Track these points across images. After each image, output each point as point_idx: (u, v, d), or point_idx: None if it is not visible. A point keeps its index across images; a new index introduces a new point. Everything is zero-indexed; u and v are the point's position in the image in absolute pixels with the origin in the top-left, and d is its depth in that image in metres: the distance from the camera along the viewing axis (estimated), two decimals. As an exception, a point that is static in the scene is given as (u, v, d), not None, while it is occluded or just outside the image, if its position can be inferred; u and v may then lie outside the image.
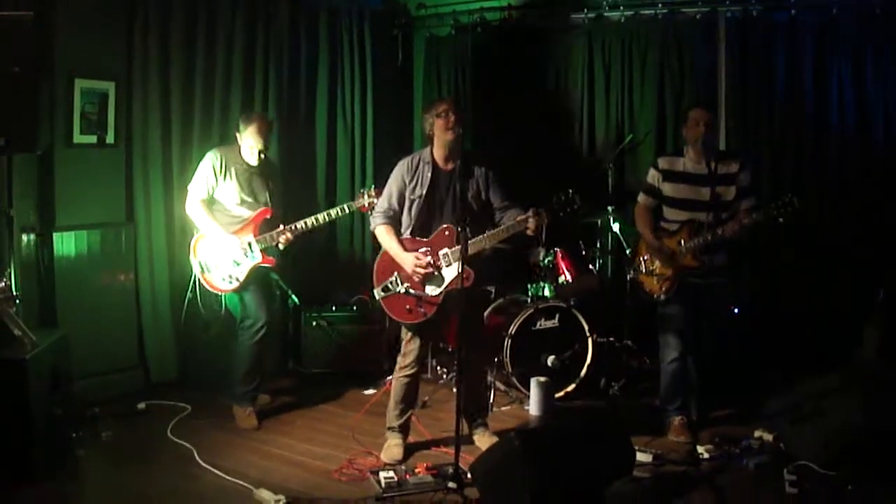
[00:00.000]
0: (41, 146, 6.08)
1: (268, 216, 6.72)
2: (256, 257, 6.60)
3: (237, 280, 6.60)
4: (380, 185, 6.43)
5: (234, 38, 7.97)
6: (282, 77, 8.45)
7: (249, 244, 6.59)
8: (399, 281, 5.98)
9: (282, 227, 6.64)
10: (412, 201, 5.99)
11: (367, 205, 6.94)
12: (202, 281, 6.66)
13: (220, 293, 6.70)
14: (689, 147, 6.33)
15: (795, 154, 8.33)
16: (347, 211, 7.00)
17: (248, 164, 6.68)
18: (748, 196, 6.23)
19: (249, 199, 6.67)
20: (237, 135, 6.67)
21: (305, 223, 6.72)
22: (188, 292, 6.82)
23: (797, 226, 6.02)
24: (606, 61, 9.03)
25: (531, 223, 5.72)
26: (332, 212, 6.88)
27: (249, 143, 6.60)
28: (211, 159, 6.61)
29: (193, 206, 6.62)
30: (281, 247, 6.68)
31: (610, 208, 8.04)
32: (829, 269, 8.18)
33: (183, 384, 7.62)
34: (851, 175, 8.19)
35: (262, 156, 6.71)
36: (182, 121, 7.66)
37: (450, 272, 5.90)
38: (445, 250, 5.90)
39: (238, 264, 6.59)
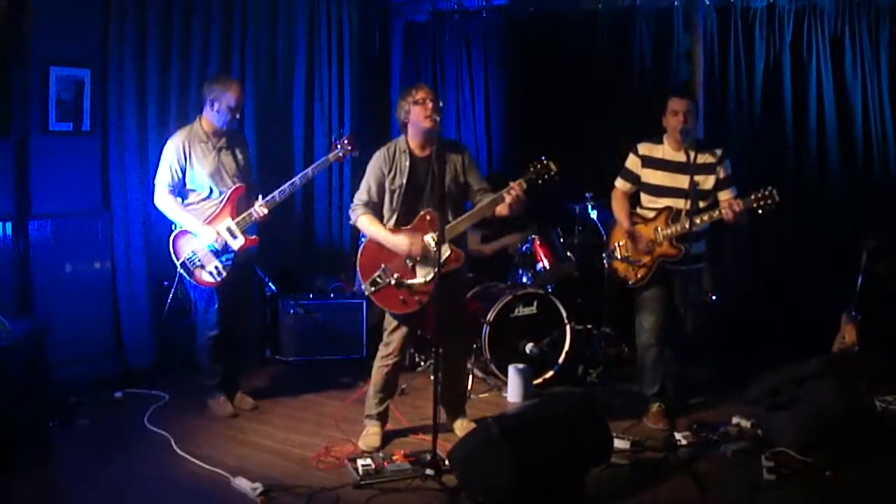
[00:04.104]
0: (15, 133, 6.03)
1: (241, 193, 6.50)
2: (240, 240, 6.41)
3: (224, 271, 6.40)
4: (358, 169, 6.31)
5: (211, 24, 7.94)
6: (259, 63, 8.42)
7: (229, 229, 6.39)
8: (388, 272, 5.91)
9: (260, 199, 6.43)
10: (393, 192, 5.95)
11: (341, 155, 6.70)
12: (188, 279, 6.48)
13: (206, 286, 6.50)
14: (668, 135, 6.32)
15: (773, 140, 8.36)
16: (323, 167, 6.83)
17: (213, 139, 6.43)
18: (728, 187, 6.23)
19: (221, 175, 6.45)
20: (209, 100, 6.35)
21: (283, 191, 6.48)
22: (173, 288, 6.79)
23: (776, 212, 6.02)
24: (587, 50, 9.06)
25: (511, 193, 5.69)
26: (308, 171, 6.67)
27: (228, 102, 6.29)
28: (172, 145, 6.38)
29: (163, 198, 6.42)
30: (258, 220, 6.48)
31: (588, 195, 8.02)
32: (808, 256, 8.21)
33: (160, 372, 7.58)
34: (830, 161, 8.22)
35: (238, 117, 6.48)
36: (158, 107, 7.62)
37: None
38: (430, 235, 5.87)
39: (222, 254, 6.40)
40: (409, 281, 5.89)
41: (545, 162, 5.74)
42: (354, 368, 7.78)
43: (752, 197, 5.88)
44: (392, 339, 6.12)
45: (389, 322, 6.14)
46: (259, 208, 6.42)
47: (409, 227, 5.92)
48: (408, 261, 5.91)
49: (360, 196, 6.02)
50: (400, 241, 5.87)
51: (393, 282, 5.88)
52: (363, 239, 6.16)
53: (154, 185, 6.50)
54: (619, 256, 6.54)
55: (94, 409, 6.63)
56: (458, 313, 6.15)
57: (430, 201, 5.92)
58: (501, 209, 5.83)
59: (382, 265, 5.92)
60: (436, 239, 5.81)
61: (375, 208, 6.01)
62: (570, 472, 5.10)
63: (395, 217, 5.97)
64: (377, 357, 6.23)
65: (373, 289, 5.95)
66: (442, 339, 5.79)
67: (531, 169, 5.75)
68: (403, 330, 6.10)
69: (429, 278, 5.88)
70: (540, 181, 5.74)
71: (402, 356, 6.23)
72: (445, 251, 5.77)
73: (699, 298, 6.75)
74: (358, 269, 6.07)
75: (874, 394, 6.38)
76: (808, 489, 5.30)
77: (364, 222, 5.98)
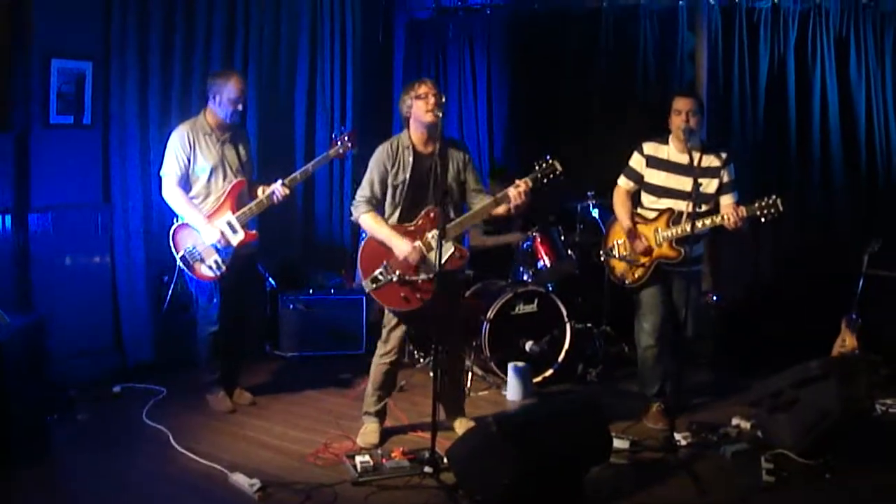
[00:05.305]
0: (16, 126, 6.00)
1: (242, 188, 6.49)
2: (240, 235, 6.37)
3: (224, 265, 6.37)
4: (359, 166, 6.28)
5: (214, 17, 7.91)
6: (262, 58, 8.40)
7: (229, 223, 6.36)
8: (390, 269, 5.85)
9: (280, 181, 6.38)
10: (395, 187, 5.88)
11: (342, 152, 6.69)
12: (188, 273, 6.44)
13: (206, 281, 6.47)
14: (672, 135, 6.29)
15: (776, 141, 8.34)
16: (323, 163, 6.81)
17: (218, 132, 6.40)
18: (731, 192, 6.20)
19: (224, 169, 6.42)
20: (210, 93, 6.35)
21: (303, 172, 6.54)
22: (173, 282, 6.76)
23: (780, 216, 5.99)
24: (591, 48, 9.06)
25: (518, 191, 5.65)
26: (308, 167, 6.61)
27: (229, 95, 6.26)
28: (177, 136, 6.35)
29: (171, 190, 6.36)
30: (276, 201, 6.44)
31: (589, 193, 8.01)
32: (809, 258, 8.20)
33: (159, 366, 7.55)
34: (833, 163, 8.22)
35: (241, 109, 6.41)
36: (160, 101, 7.58)
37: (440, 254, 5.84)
38: (432, 233, 5.82)
39: (222, 249, 6.36)
40: (412, 278, 5.85)
41: (550, 161, 5.71)
42: (354, 364, 7.76)
43: (756, 205, 5.83)
44: (391, 336, 6.08)
45: (389, 320, 6.09)
46: (281, 188, 6.39)
47: (412, 224, 5.88)
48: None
49: (363, 192, 5.94)
50: (401, 246, 5.80)
51: (395, 279, 5.83)
52: (364, 235, 6.11)
53: (160, 177, 6.46)
54: (617, 255, 6.51)
55: (92, 403, 6.63)
56: (455, 311, 6.16)
57: (433, 198, 5.88)
58: (503, 209, 5.82)
59: (385, 262, 5.86)
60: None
61: (378, 205, 5.95)
62: (568, 472, 5.09)
63: (397, 212, 5.92)
64: (376, 355, 6.19)
65: (374, 286, 5.89)
66: (439, 336, 5.77)
67: (536, 168, 5.72)
68: (403, 328, 6.07)
69: (432, 275, 5.83)
70: (545, 180, 5.71)
71: (400, 354, 6.21)
72: (449, 249, 5.76)
73: (699, 300, 6.72)
74: (359, 265, 6.01)
75: (874, 397, 6.37)
76: (808, 492, 5.29)
77: (367, 220, 5.91)
